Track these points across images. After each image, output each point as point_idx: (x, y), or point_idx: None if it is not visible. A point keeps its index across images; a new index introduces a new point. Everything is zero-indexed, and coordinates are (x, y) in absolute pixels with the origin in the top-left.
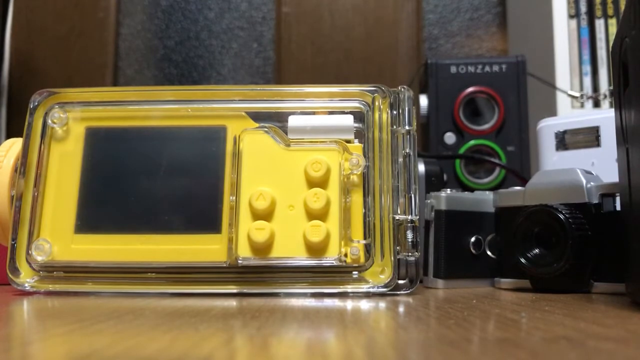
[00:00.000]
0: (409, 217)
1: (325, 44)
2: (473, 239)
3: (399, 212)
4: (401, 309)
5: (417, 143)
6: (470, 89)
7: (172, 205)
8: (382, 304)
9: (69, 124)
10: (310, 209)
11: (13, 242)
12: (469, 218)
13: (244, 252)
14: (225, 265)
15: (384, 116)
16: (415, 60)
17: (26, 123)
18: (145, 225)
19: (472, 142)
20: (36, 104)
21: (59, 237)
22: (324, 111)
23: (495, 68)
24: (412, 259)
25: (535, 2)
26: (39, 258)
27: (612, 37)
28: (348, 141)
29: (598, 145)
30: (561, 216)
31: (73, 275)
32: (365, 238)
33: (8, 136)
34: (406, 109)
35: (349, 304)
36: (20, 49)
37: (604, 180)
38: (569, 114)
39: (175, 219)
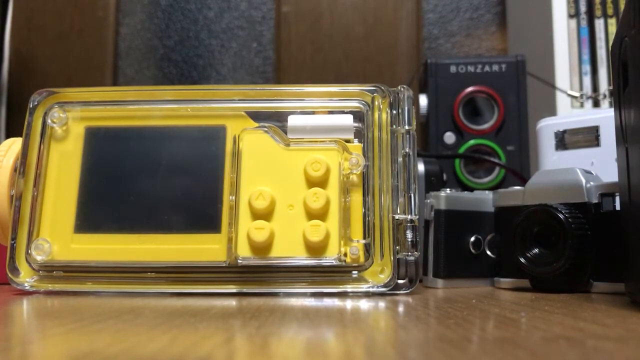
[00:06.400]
0: (409, 217)
1: (324, 44)
2: (473, 239)
3: (398, 211)
4: (401, 308)
5: (416, 142)
6: (470, 89)
7: (172, 204)
8: (382, 304)
9: (69, 123)
10: (310, 209)
11: (13, 242)
12: (469, 218)
13: (243, 252)
14: (224, 264)
15: (384, 116)
16: (414, 60)
17: (26, 123)
18: (145, 224)
19: (471, 142)
20: (36, 103)
21: (58, 237)
22: (323, 111)
23: (495, 68)
24: (412, 258)
25: (535, 2)
26: (39, 258)
27: (611, 37)
28: (348, 141)
29: (597, 144)
30: (561, 216)
31: (72, 274)
32: (364, 237)
33: (8, 136)
34: (406, 108)
35: (349, 304)
36: (19, 49)
37: (603, 180)
38: (569, 113)
39: (174, 218)
